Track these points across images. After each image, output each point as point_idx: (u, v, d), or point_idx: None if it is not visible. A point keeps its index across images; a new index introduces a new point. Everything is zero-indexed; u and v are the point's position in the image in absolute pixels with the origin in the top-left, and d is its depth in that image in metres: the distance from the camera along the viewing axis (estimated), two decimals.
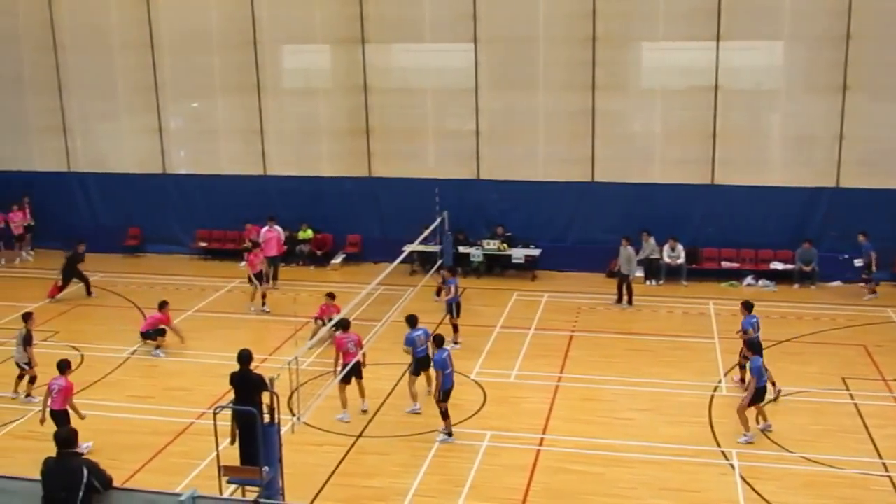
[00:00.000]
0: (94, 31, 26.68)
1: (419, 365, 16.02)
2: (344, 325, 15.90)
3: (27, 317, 17.12)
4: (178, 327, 19.24)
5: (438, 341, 15.21)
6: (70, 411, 14.28)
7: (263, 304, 21.33)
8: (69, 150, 27.61)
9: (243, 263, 25.81)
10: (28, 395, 16.58)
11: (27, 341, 16.65)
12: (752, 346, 15.22)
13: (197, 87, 26.63)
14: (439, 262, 22.42)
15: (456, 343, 18.92)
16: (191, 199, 26.92)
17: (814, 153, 23.30)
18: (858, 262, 22.44)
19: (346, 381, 15.53)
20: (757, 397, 14.70)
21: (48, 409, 14.32)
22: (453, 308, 19.11)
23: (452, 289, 19.09)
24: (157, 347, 18.70)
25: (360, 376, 15.85)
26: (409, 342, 15.81)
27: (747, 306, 16.88)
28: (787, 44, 23.18)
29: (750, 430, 14.77)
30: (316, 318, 19.23)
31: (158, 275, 24.91)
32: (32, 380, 16.55)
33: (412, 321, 15.96)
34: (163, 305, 19.33)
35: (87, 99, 27.31)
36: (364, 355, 16.04)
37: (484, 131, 24.90)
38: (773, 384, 15.90)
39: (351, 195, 25.81)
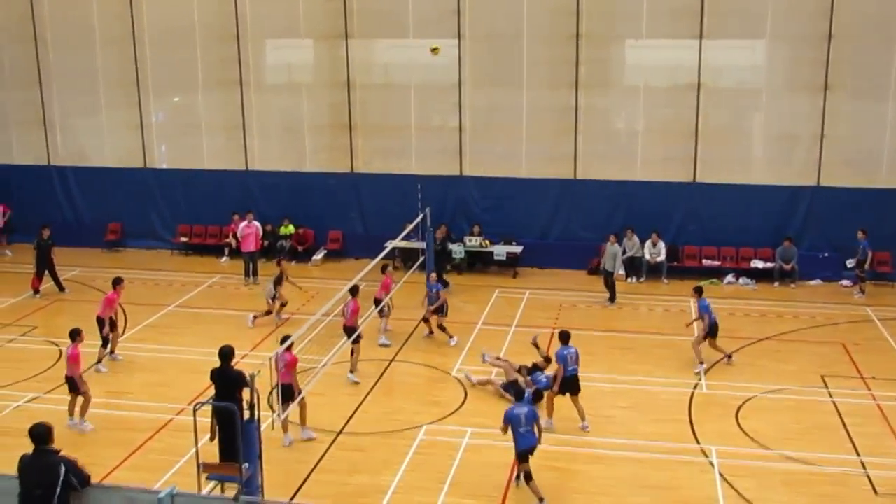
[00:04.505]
0: (76, 24, 26.46)
1: (566, 384, 15.08)
2: (354, 290, 16.94)
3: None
4: (114, 338, 18.11)
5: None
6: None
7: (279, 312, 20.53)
8: (49, 144, 27.38)
9: (224, 259, 25.78)
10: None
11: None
12: (698, 290, 17.66)
13: (179, 81, 26.46)
14: (420, 258, 22.39)
15: (431, 333, 19.17)
16: (172, 195, 26.77)
17: (795, 152, 23.39)
18: (851, 263, 22.51)
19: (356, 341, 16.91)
20: (712, 331, 17.17)
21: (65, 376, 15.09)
22: (443, 308, 19.13)
23: (434, 295, 19.09)
24: (99, 361, 17.69)
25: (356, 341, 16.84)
26: (561, 359, 15.02)
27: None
28: (770, 43, 23.26)
29: (703, 362, 17.17)
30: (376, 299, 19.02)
31: (139, 270, 24.77)
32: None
33: (564, 337, 15.18)
34: (116, 283, 18.07)
35: (67, 93, 27.09)
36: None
37: (467, 128, 24.88)
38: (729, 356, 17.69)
39: (333, 191, 25.75)
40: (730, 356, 17.78)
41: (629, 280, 23.49)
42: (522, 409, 13.11)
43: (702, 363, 17.36)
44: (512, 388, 15.93)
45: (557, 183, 24.50)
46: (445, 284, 21.42)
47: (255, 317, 20.17)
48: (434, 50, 20.64)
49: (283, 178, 26.02)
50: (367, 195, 25.68)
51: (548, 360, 16.66)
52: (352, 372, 17.08)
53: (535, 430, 13.08)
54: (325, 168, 25.81)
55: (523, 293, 22.64)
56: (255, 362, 15.27)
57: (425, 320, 19.32)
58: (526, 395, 14.08)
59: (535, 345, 16.74)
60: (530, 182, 24.60)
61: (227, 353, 12.78)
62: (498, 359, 17.34)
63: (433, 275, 20.09)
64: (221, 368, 12.71)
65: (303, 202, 25.96)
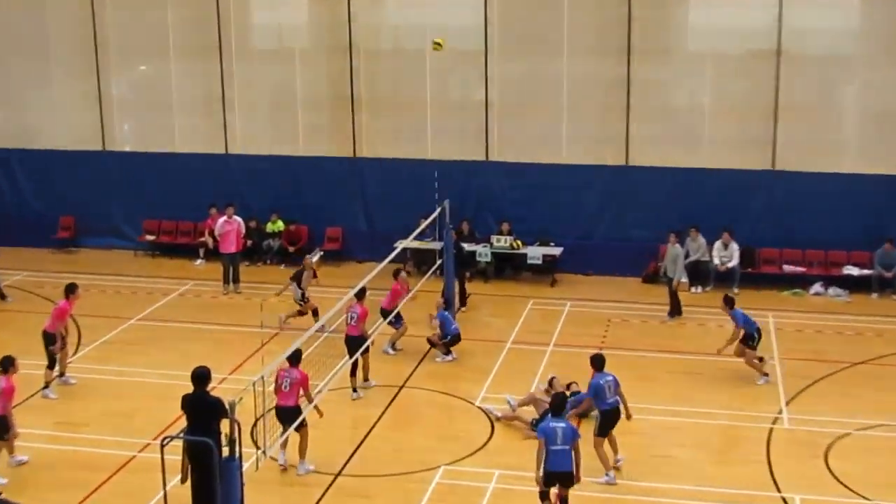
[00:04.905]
0: None
1: (607, 421, 14.84)
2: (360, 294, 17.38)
3: None
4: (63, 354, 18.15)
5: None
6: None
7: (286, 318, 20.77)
8: None
9: (199, 262, 25.79)
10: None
11: None
12: (728, 301, 18.40)
13: (146, 46, 26.55)
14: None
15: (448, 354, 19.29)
16: (137, 183, 26.81)
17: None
18: None
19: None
20: (749, 339, 18.07)
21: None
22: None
23: (437, 323, 19.38)
24: (47, 386, 17.57)
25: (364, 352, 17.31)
26: (597, 390, 14.81)
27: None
28: (865, 0, 23.11)
29: (767, 373, 18.07)
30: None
31: (96, 274, 24.80)
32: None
33: (599, 363, 15.00)
34: (70, 290, 17.89)
35: (11, 59, 27.17)
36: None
37: (495, 103, 24.83)
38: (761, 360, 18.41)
39: (332, 180, 25.74)
40: (761, 359, 18.44)
41: (693, 290, 23.36)
42: (559, 424, 13.03)
43: (766, 374, 18.19)
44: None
45: (605, 171, 24.43)
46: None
47: (286, 317, 20.61)
48: (436, 45, 20.40)
49: (271, 164, 26.01)
50: (372, 185, 25.66)
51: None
52: (366, 379, 17.70)
53: (573, 454, 12.99)
54: (323, 152, 25.79)
55: (563, 305, 22.54)
56: (237, 387, 15.21)
57: (432, 344, 19.42)
58: (567, 405, 14.02)
59: (550, 388, 16.49)
60: (572, 170, 24.52)
61: (202, 377, 12.76)
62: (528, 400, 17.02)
63: (440, 300, 20.08)
64: (195, 394, 12.69)
65: (295, 193, 25.96)
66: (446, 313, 19.63)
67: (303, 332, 14.80)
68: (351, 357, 17.28)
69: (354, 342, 17.37)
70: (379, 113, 25.56)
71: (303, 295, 20.67)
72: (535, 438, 14.60)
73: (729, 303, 18.50)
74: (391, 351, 19.43)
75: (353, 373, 17.52)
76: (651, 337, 20.65)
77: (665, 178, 24.05)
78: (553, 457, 12.85)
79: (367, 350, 17.47)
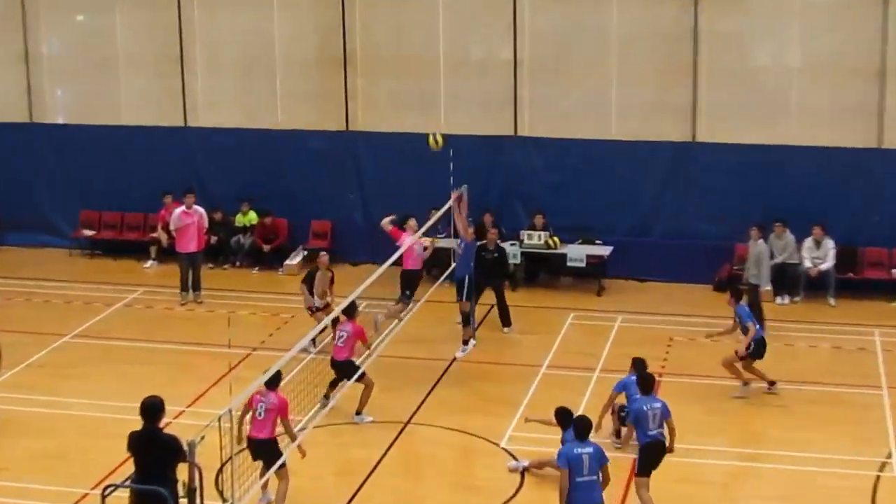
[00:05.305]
0: None
1: (649, 456, 14.77)
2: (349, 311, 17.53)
3: None
4: None
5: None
6: None
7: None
8: None
9: (151, 263, 25.78)
10: None
11: None
12: (735, 293, 18.91)
13: None
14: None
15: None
16: (72, 164, 26.95)
17: None
18: None
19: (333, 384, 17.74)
20: (756, 351, 18.39)
21: None
22: None
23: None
24: None
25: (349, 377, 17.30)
26: (638, 416, 14.78)
27: (736, 293, 19.02)
28: None
29: (747, 382, 18.54)
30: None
31: (21, 279, 24.91)
32: None
33: (647, 384, 15.06)
34: None
35: None
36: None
37: (526, 63, 24.87)
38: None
39: (319, 160, 25.79)
40: (773, 383, 18.83)
41: (778, 300, 23.33)
42: (586, 449, 13.11)
43: (746, 383, 18.73)
44: None
45: (667, 149, 24.45)
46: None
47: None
48: (434, 142, 20.28)
49: (241, 140, 26.09)
50: (370, 167, 25.75)
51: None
52: (359, 413, 17.70)
53: (601, 483, 13.09)
54: (306, 124, 25.89)
55: (612, 319, 22.48)
56: (198, 423, 15.11)
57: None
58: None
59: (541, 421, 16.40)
60: (623, 147, 24.56)
61: (154, 409, 12.68)
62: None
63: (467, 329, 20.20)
64: (146, 432, 12.61)
65: (272, 177, 26.03)
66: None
67: (284, 352, 14.68)
68: (336, 384, 17.61)
69: (342, 368, 17.40)
70: (378, 75, 25.59)
71: (314, 307, 20.61)
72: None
73: (737, 295, 18.90)
74: (379, 318, 19.89)
75: (333, 383, 17.72)
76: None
77: (742, 159, 24.04)
78: (578, 495, 12.93)
79: (361, 377, 17.40)
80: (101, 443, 16.72)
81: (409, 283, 20.82)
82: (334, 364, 17.54)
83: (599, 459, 13.06)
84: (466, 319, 20.16)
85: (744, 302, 18.94)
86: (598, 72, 24.58)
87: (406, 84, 25.55)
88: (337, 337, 17.59)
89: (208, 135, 26.29)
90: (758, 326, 18.63)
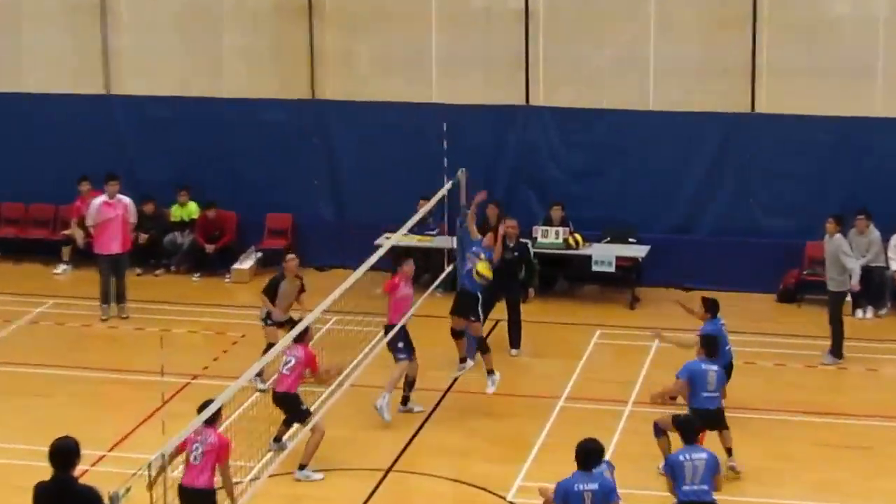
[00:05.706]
0: None
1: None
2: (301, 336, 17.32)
3: None
4: None
5: None
6: None
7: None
8: None
9: (63, 268, 25.73)
10: None
11: None
12: (710, 305, 18.99)
13: None
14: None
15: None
16: None
17: None
18: None
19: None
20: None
21: None
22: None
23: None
24: None
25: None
26: (674, 469, 14.90)
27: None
28: None
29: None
30: None
31: None
32: None
33: (686, 424, 15.30)
34: None
35: None
36: None
37: (540, 14, 25.00)
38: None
39: (277, 137, 25.96)
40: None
41: (859, 313, 23.45)
42: (590, 486, 13.40)
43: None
44: None
45: (718, 121, 24.60)
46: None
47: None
48: (478, 277, 19.91)
49: (177, 112, 26.24)
50: (342, 145, 25.91)
51: None
52: (302, 467, 17.30)
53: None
54: (263, 93, 26.06)
55: (649, 338, 22.27)
56: (122, 470, 15.07)
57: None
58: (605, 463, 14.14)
59: None
60: (662, 119, 24.73)
61: (67, 453, 12.57)
62: None
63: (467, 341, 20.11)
64: (57, 482, 12.52)
65: (217, 159, 26.17)
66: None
67: (231, 380, 14.63)
68: (284, 423, 17.72)
69: (284, 401, 17.33)
70: (353, 29, 25.75)
71: (269, 315, 20.43)
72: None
73: (712, 309, 18.95)
74: (387, 405, 19.13)
75: (286, 422, 17.88)
76: (790, 390, 20.62)
77: (814, 135, 24.20)
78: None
79: (304, 418, 17.31)
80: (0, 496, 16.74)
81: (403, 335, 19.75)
82: (276, 397, 17.44)
83: (605, 497, 13.41)
84: (483, 345, 19.95)
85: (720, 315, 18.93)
86: (631, 25, 24.76)
87: (388, 41, 25.69)
88: (283, 363, 17.41)
89: (136, 105, 26.44)
90: (728, 349, 18.70)
